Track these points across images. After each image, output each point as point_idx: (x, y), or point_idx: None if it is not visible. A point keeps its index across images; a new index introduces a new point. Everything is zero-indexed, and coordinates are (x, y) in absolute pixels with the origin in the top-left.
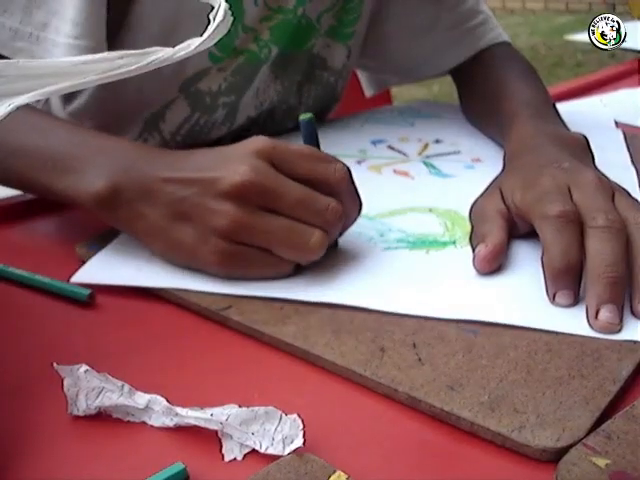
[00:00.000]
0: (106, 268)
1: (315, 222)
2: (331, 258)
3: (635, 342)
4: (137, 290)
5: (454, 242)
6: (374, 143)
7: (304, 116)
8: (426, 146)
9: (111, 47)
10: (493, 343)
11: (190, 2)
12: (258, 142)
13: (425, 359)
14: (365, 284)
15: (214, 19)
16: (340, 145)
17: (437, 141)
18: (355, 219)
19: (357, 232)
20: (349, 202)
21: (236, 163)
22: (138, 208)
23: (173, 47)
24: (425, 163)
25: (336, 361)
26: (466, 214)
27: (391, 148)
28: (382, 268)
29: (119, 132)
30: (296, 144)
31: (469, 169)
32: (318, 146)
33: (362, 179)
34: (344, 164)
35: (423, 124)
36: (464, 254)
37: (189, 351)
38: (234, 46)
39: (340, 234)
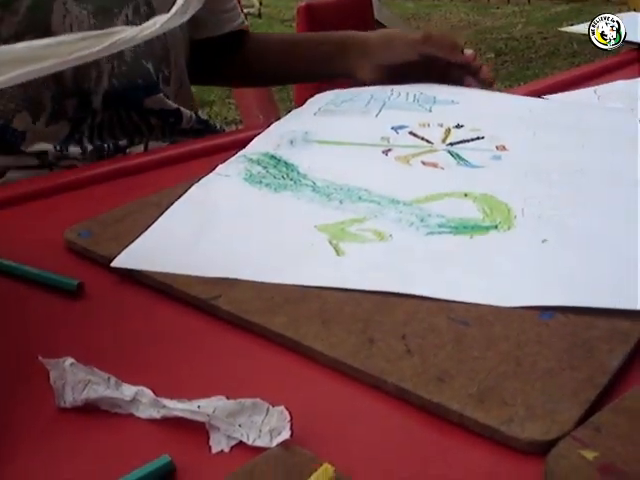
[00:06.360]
0: (148, 253)
1: None
2: (374, 243)
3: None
4: (124, 280)
5: (496, 227)
6: (395, 129)
7: None
8: (448, 131)
9: None
10: (484, 334)
11: None
12: None
13: (414, 350)
14: (413, 270)
15: None
16: (361, 132)
17: (458, 126)
18: None
19: (397, 218)
20: None
21: None
22: None
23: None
24: (451, 153)
25: (325, 352)
26: (502, 199)
27: (414, 135)
28: (428, 252)
29: None
30: None
31: (496, 160)
32: None
33: (391, 170)
34: None
35: (441, 110)
36: (509, 238)
37: (177, 342)
38: None
39: None
